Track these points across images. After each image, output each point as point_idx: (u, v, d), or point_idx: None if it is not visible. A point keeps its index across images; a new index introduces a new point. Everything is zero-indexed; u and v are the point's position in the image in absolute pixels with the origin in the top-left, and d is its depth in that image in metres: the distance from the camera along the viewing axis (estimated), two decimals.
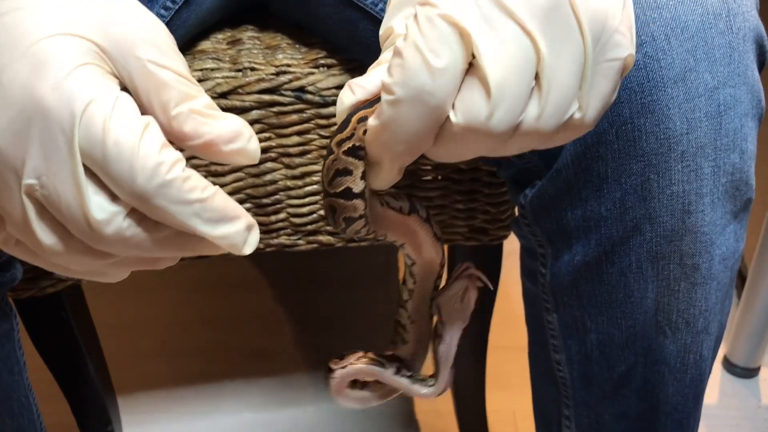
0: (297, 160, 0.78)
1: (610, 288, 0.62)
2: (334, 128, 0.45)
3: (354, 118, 0.40)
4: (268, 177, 0.79)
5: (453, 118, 0.37)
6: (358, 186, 0.42)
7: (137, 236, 0.35)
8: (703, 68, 0.54)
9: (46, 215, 0.34)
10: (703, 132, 0.55)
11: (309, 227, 0.82)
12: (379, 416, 1.16)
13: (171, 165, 0.34)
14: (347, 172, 0.42)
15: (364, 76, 0.41)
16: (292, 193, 0.80)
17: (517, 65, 0.36)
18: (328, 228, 0.84)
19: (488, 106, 0.36)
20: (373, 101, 0.40)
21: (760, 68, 0.59)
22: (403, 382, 0.55)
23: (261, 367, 1.26)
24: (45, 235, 0.35)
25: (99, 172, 0.33)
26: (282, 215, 0.82)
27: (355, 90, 0.40)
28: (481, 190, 0.80)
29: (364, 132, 0.40)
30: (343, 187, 0.42)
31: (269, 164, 0.78)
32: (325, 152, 0.61)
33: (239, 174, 0.78)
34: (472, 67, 0.37)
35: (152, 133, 0.34)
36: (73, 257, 0.35)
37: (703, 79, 0.54)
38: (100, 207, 0.34)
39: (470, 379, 1.04)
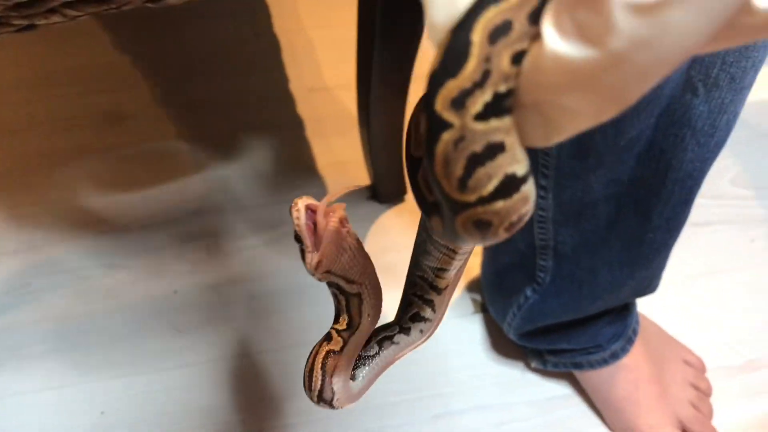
0: None
1: None
2: (432, 64, 0.24)
3: (482, 36, 0.22)
4: None
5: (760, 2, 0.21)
6: (521, 163, 0.25)
7: None
8: None
9: None
10: None
11: None
12: (278, 175, 1.00)
13: None
14: (495, 148, 0.24)
15: None
16: None
17: None
18: None
19: None
20: None
21: None
22: None
23: (116, 135, 1.03)
24: None
25: None
26: None
27: None
28: None
29: (515, 59, 0.22)
30: (498, 180, 0.24)
31: None
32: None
33: None
34: None
35: None
36: None
37: None
38: None
39: (387, 116, 0.88)
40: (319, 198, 0.39)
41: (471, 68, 0.22)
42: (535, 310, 0.75)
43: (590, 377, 0.80)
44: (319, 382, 0.41)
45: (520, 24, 0.22)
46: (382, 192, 0.97)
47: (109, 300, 0.89)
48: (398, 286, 0.99)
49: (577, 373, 0.82)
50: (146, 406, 0.82)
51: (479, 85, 0.23)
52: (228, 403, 0.83)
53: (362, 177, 0.99)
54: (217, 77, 1.09)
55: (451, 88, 0.23)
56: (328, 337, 0.42)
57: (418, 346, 0.44)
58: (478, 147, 0.24)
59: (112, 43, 1.12)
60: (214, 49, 1.12)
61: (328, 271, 0.40)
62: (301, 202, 0.39)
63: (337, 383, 0.41)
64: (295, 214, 0.38)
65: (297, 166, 1.01)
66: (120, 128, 1.04)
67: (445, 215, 0.27)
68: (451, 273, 0.40)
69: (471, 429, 0.83)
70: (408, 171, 0.32)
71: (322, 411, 0.82)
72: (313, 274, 0.40)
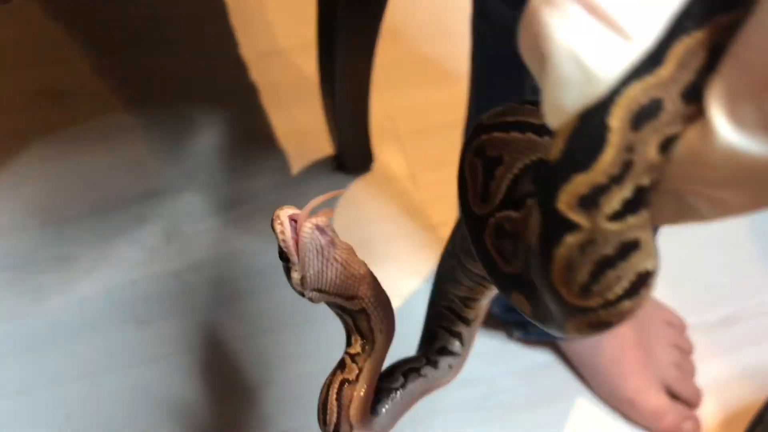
0: None
1: None
2: (552, 152, 0.20)
3: (623, 120, 0.18)
4: None
5: None
6: (654, 257, 0.21)
7: None
8: None
9: None
10: None
11: None
12: (235, 149, 0.94)
13: None
14: (629, 247, 0.20)
15: None
16: None
17: None
18: None
19: None
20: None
21: None
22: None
23: (54, 114, 0.96)
24: None
25: None
26: None
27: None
28: None
29: (663, 146, 0.18)
30: (629, 282, 0.21)
31: None
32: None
33: None
34: None
35: None
36: None
37: None
38: None
39: (353, 81, 0.82)
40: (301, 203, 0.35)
41: (608, 160, 0.18)
42: None
43: (574, 345, 0.79)
44: (335, 416, 0.37)
45: (672, 103, 0.18)
46: (348, 163, 0.93)
47: (63, 294, 0.83)
48: (372, 263, 0.95)
49: (561, 342, 0.80)
50: (114, 407, 0.78)
51: (617, 180, 0.18)
52: (201, 397, 0.79)
53: (325, 147, 0.94)
54: (160, 45, 1.02)
55: (580, 183, 0.19)
56: (341, 365, 0.38)
57: (447, 382, 0.41)
58: (610, 249, 0.20)
59: (42, 12, 1.03)
60: (154, 14, 1.04)
61: (319, 290, 0.36)
62: (284, 214, 0.34)
63: (356, 416, 0.37)
64: (278, 228, 0.34)
65: (254, 138, 0.95)
66: (58, 106, 0.96)
67: (548, 310, 0.23)
68: (484, 303, 0.37)
69: (456, 405, 0.81)
70: (469, 231, 0.28)
71: (302, 397, 0.79)
72: (302, 294, 0.36)
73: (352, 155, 0.92)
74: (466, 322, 0.37)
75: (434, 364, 0.39)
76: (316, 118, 0.94)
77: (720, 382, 0.83)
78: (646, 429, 0.79)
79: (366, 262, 0.95)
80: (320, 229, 0.34)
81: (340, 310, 0.37)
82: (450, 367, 0.40)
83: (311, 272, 0.35)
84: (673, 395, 0.79)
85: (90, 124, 0.95)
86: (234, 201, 0.90)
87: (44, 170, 0.91)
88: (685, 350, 0.81)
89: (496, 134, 0.26)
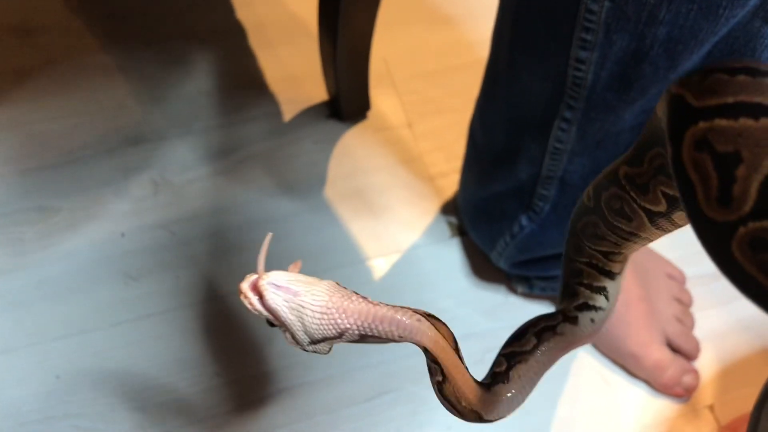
0: None
1: None
2: None
3: None
4: None
5: None
6: None
7: None
8: None
9: None
10: None
11: None
12: (223, 93, 0.89)
13: None
14: None
15: None
16: None
17: None
18: None
19: None
20: None
21: None
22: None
23: (27, 52, 0.89)
24: None
25: None
26: None
27: None
28: None
29: None
30: None
31: None
32: None
33: None
34: None
35: None
36: None
37: None
38: None
39: (359, 22, 0.77)
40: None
41: None
42: (533, 241, 0.70)
43: None
44: (456, 411, 0.37)
45: None
46: (344, 109, 0.88)
47: (47, 249, 0.79)
48: (371, 211, 0.92)
49: None
50: (106, 366, 0.74)
51: None
52: (199, 355, 0.76)
53: (318, 92, 0.90)
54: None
55: None
56: (429, 369, 0.36)
57: (589, 338, 0.38)
58: None
59: None
60: None
61: (314, 341, 0.35)
62: (245, 287, 0.33)
63: (471, 403, 0.36)
64: (246, 303, 0.33)
65: (243, 82, 0.90)
66: (31, 44, 0.89)
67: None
68: (630, 253, 0.34)
69: None
70: (704, 237, 0.24)
71: (305, 353, 0.77)
72: (306, 350, 0.36)
73: (348, 102, 0.88)
74: (611, 276, 0.35)
75: (573, 320, 0.37)
76: (308, 60, 0.90)
77: (717, 334, 0.83)
78: (647, 382, 0.79)
79: (361, 210, 0.92)
80: (276, 287, 0.33)
81: (355, 341, 0.35)
82: (592, 321, 0.38)
83: (296, 328, 0.34)
84: (673, 348, 0.79)
85: (66, 64, 0.88)
86: (225, 148, 0.86)
87: (17, 115, 0.85)
88: (685, 303, 0.82)
89: (720, 122, 0.22)
